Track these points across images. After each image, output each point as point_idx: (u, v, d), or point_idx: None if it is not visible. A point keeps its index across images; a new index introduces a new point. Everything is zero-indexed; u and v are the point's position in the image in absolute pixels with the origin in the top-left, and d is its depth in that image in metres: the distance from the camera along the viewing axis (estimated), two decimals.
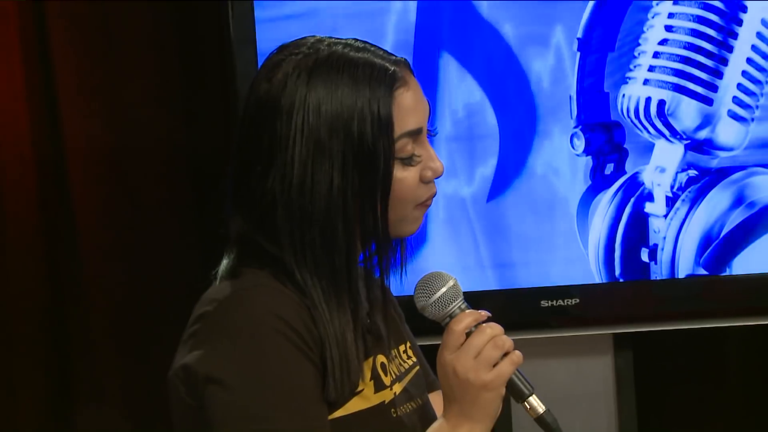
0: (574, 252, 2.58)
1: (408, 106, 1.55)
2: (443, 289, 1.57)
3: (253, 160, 1.54)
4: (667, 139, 2.54)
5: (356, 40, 1.57)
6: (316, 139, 1.50)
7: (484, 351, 1.53)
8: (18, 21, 2.86)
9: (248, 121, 1.55)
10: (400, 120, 1.54)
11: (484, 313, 1.56)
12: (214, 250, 1.61)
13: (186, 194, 2.97)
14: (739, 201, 2.55)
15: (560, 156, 2.56)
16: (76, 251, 2.92)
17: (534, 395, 1.57)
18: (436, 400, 1.71)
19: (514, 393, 1.57)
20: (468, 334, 1.54)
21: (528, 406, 1.57)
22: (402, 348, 1.71)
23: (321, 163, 1.50)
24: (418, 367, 1.72)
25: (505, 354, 1.54)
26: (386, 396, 1.60)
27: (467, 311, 1.56)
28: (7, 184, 2.87)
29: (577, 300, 2.56)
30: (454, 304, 1.56)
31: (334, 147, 1.50)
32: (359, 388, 1.56)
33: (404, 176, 1.55)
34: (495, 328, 1.54)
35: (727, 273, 2.57)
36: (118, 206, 2.94)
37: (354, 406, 1.54)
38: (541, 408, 1.57)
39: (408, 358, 1.71)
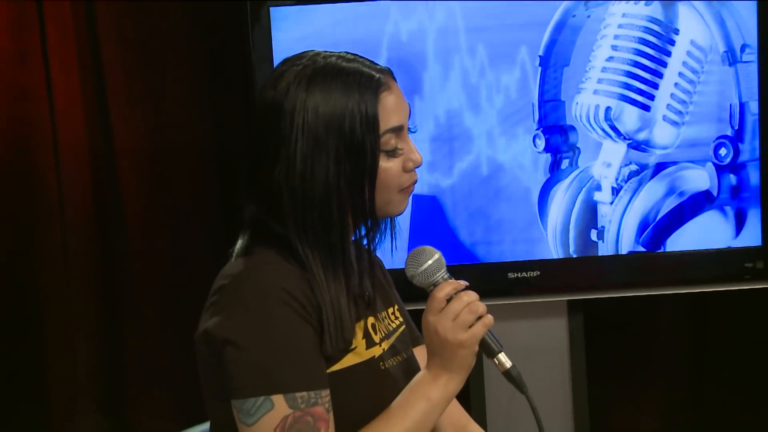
0: (535, 233, 2.57)
1: (391, 106, 1.54)
2: (429, 262, 1.57)
3: (262, 155, 1.53)
4: (613, 139, 2.53)
5: (347, 53, 1.58)
6: (315, 135, 1.50)
7: (461, 315, 1.53)
8: (75, 41, 2.85)
9: (257, 123, 1.55)
10: (385, 118, 1.53)
11: (463, 283, 1.56)
12: (235, 232, 1.60)
13: (213, 185, 2.96)
14: (671, 191, 2.55)
15: (524, 153, 2.55)
16: (124, 232, 2.92)
17: (502, 353, 1.57)
18: (420, 353, 1.72)
19: (485, 350, 1.57)
20: (448, 300, 1.53)
21: (497, 362, 1.57)
22: (390, 310, 1.70)
23: (319, 156, 1.50)
24: (404, 327, 1.72)
25: (479, 318, 1.53)
26: (376, 351, 1.60)
27: (449, 281, 1.56)
28: (66, 177, 2.86)
29: (538, 272, 2.56)
30: (438, 274, 1.56)
31: (329, 142, 1.50)
32: (353, 346, 1.56)
33: (389, 166, 1.55)
34: (471, 296, 1.54)
35: (662, 250, 2.57)
36: (158, 195, 2.93)
37: (348, 360, 1.55)
38: (507, 363, 1.57)
39: (396, 319, 1.71)
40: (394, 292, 1.77)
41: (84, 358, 2.89)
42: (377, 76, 1.54)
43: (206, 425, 1.69)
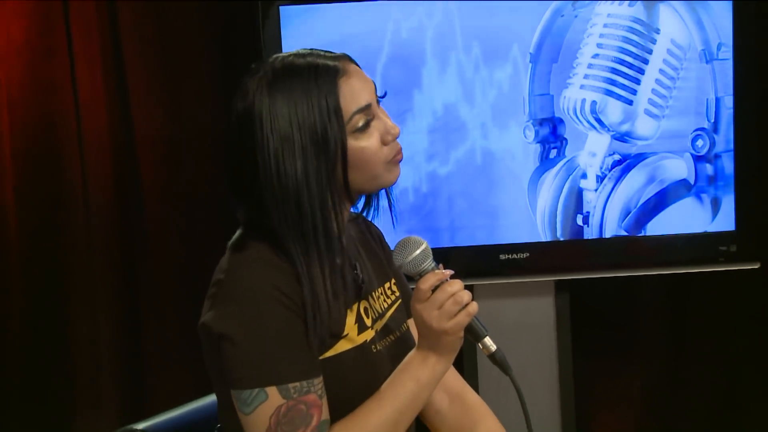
0: (525, 217, 2.57)
1: (352, 89, 1.50)
2: (416, 252, 1.52)
3: (242, 162, 1.52)
4: (598, 131, 2.54)
5: (303, 49, 1.54)
6: (282, 134, 1.48)
7: (445, 305, 1.50)
8: (98, 38, 2.85)
9: (233, 134, 1.53)
10: (350, 102, 1.49)
11: (448, 272, 1.52)
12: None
13: (225, 174, 2.97)
14: (651, 179, 2.55)
15: (516, 143, 2.55)
16: (143, 214, 2.93)
17: (487, 337, 1.54)
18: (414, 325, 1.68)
19: (471, 335, 1.54)
20: (434, 290, 1.50)
21: (481, 346, 1.55)
22: (387, 285, 1.68)
23: (288, 152, 1.48)
24: (399, 301, 1.68)
25: (465, 307, 1.50)
26: (368, 336, 1.58)
27: (434, 271, 1.52)
28: (89, 164, 2.87)
29: (527, 254, 2.56)
30: (424, 264, 1.52)
31: (295, 137, 1.47)
32: (344, 333, 1.54)
33: (365, 145, 1.51)
34: (455, 286, 1.51)
35: (643, 234, 2.57)
36: (174, 180, 2.94)
37: (341, 347, 1.53)
38: (492, 347, 1.55)
39: (391, 294, 1.68)
40: (393, 264, 1.72)
41: (106, 331, 2.91)
42: (332, 64, 1.51)
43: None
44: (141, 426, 1.68)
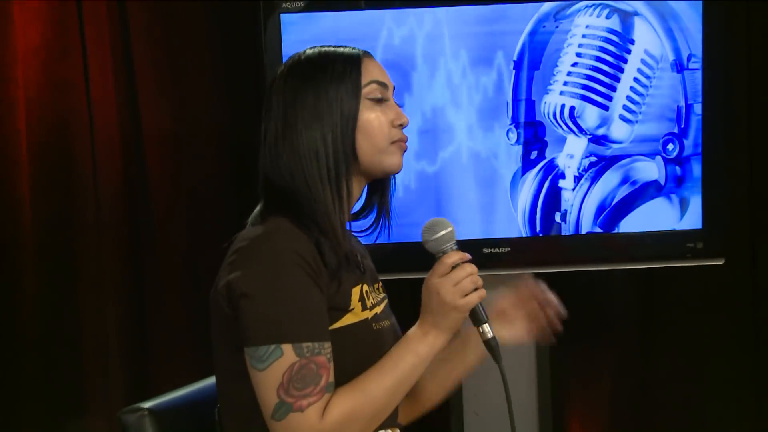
0: (507, 214, 2.57)
1: (374, 67, 1.60)
2: (443, 232, 1.56)
3: (271, 134, 1.58)
4: (576, 134, 2.54)
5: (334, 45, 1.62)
6: (305, 104, 1.55)
7: (462, 282, 1.53)
8: (110, 39, 2.86)
9: (266, 114, 1.59)
10: (368, 73, 1.58)
11: (467, 255, 1.56)
12: (247, 207, 1.63)
13: (228, 167, 2.97)
14: (625, 180, 2.56)
15: (499, 145, 2.56)
16: (150, 207, 2.93)
17: (487, 324, 1.57)
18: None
19: (473, 318, 1.57)
20: (453, 268, 1.54)
21: (481, 330, 1.57)
22: (376, 286, 1.70)
23: (310, 117, 1.54)
24: (386, 300, 1.71)
25: (476, 289, 1.54)
26: (369, 314, 1.60)
27: (457, 251, 1.56)
28: (100, 159, 2.87)
29: (509, 248, 2.56)
30: (448, 244, 1.56)
31: (318, 101, 1.55)
32: (351, 307, 1.56)
33: (375, 116, 1.58)
34: (473, 268, 1.55)
35: (616, 231, 2.58)
36: (180, 175, 2.94)
37: (347, 320, 1.55)
38: (489, 334, 1.57)
39: (380, 293, 1.70)
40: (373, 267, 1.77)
41: (113, 316, 2.90)
42: (360, 52, 1.60)
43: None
44: (147, 405, 1.69)
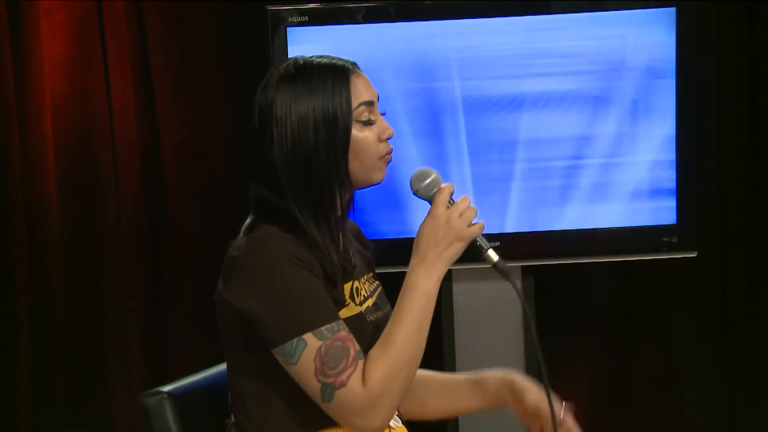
0: (499, 211, 2.56)
1: (361, 85, 1.54)
2: (430, 177, 1.54)
3: (260, 141, 1.52)
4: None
5: (320, 55, 1.57)
6: (300, 114, 1.50)
7: (465, 212, 1.51)
8: (129, 52, 2.87)
9: (255, 119, 1.54)
10: (356, 94, 1.52)
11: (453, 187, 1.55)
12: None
13: (238, 171, 2.93)
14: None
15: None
16: (167, 207, 2.94)
17: (491, 249, 1.55)
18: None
19: (477, 248, 1.54)
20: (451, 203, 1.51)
21: (486, 257, 1.54)
22: (370, 275, 1.67)
23: (304, 129, 1.50)
24: (380, 288, 1.68)
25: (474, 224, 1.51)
26: (362, 308, 1.58)
27: (448, 184, 1.54)
28: (121, 163, 2.88)
29: (498, 243, 2.46)
30: (437, 187, 1.54)
31: (309, 117, 1.50)
32: (346, 302, 1.54)
33: (365, 135, 1.53)
34: (468, 198, 1.52)
35: (598, 227, 2.56)
36: (194, 177, 2.94)
37: (343, 314, 1.52)
38: (495, 257, 1.55)
39: (374, 282, 1.67)
40: (372, 261, 1.73)
41: (133, 307, 2.91)
42: (346, 64, 1.55)
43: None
44: (166, 389, 1.69)
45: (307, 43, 2.49)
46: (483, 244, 1.55)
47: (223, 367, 1.77)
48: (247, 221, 1.56)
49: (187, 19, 2.90)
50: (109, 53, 2.84)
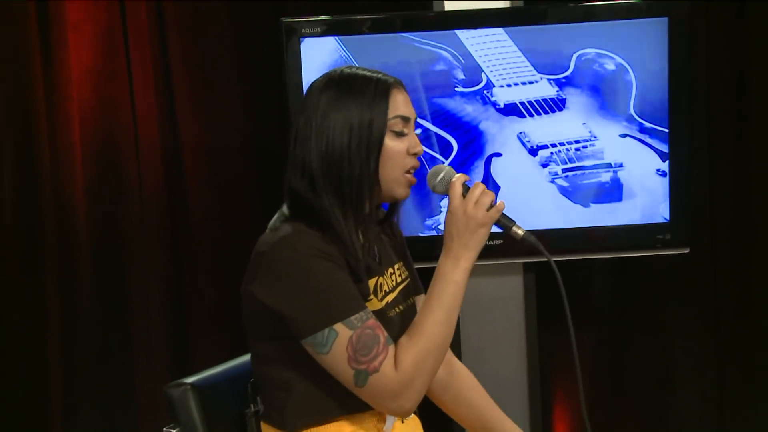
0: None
1: (400, 100, 1.54)
2: (444, 171, 1.55)
3: (302, 139, 1.52)
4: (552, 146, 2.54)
5: (369, 68, 1.58)
6: (338, 116, 1.50)
7: (480, 198, 1.50)
8: (152, 63, 2.88)
9: (300, 117, 1.55)
10: (394, 107, 1.52)
11: (468, 177, 1.55)
12: (273, 211, 1.61)
13: (253, 171, 2.98)
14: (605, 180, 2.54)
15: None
16: (187, 206, 2.95)
17: (515, 225, 1.53)
18: (421, 300, 1.67)
19: (502, 225, 1.53)
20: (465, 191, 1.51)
21: (512, 233, 1.53)
22: (397, 266, 1.65)
23: (340, 130, 1.49)
24: (408, 281, 1.66)
25: (492, 205, 1.51)
26: (382, 304, 1.57)
27: (461, 174, 1.54)
28: (144, 165, 2.90)
29: (501, 241, 2.50)
30: (450, 180, 1.54)
31: (347, 120, 1.50)
32: (370, 297, 1.54)
33: (396, 144, 1.52)
34: (482, 185, 1.51)
35: (594, 225, 2.55)
36: (212, 178, 2.95)
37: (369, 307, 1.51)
38: (521, 231, 1.53)
39: (401, 274, 1.65)
40: (406, 251, 1.72)
41: (156, 300, 2.92)
42: (391, 80, 1.55)
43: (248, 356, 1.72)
44: (189, 380, 1.70)
45: (318, 52, 2.49)
46: (506, 223, 1.52)
47: (241, 359, 1.81)
48: (275, 218, 1.55)
49: (205, 31, 2.91)
50: (133, 64, 2.86)
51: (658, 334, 2.97)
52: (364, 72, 1.55)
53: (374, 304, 1.55)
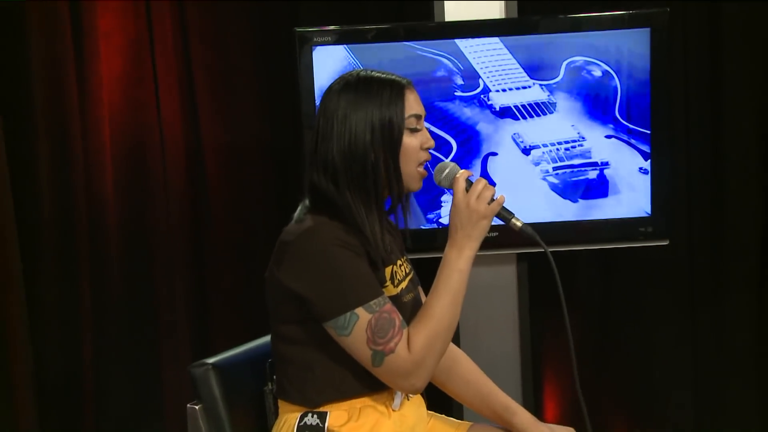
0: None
1: (413, 100, 1.54)
2: (449, 167, 1.56)
3: (323, 138, 1.52)
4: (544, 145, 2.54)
5: (381, 70, 1.57)
6: (359, 115, 1.49)
7: (482, 192, 1.50)
8: (176, 69, 2.88)
9: (321, 118, 1.54)
10: (409, 106, 1.53)
11: (472, 172, 1.55)
12: (287, 206, 1.61)
13: (270, 171, 2.98)
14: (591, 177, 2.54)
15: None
16: (209, 202, 2.94)
17: (515, 217, 1.53)
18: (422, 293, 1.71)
19: (503, 217, 1.53)
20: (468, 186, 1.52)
21: (512, 224, 1.53)
22: (399, 262, 1.66)
23: (362, 129, 1.49)
24: (412, 273, 1.69)
25: (493, 199, 1.51)
26: (398, 290, 1.58)
27: (465, 170, 1.55)
28: (169, 165, 2.89)
29: (497, 233, 2.47)
30: (455, 176, 1.54)
31: (368, 118, 1.49)
32: (386, 284, 1.55)
33: (412, 140, 1.53)
34: (484, 180, 1.52)
35: (582, 218, 2.55)
36: (232, 177, 2.94)
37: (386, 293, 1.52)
38: (520, 223, 1.53)
39: (406, 268, 1.67)
40: (404, 249, 1.73)
41: (180, 288, 2.91)
42: (404, 81, 1.55)
43: (268, 338, 1.73)
44: (211, 360, 1.70)
45: (329, 59, 2.49)
46: (506, 215, 1.52)
47: (259, 341, 1.82)
48: (298, 210, 1.55)
49: (226, 41, 2.91)
50: (159, 71, 2.85)
51: (639, 319, 2.97)
52: (379, 74, 1.54)
53: (390, 290, 1.55)
